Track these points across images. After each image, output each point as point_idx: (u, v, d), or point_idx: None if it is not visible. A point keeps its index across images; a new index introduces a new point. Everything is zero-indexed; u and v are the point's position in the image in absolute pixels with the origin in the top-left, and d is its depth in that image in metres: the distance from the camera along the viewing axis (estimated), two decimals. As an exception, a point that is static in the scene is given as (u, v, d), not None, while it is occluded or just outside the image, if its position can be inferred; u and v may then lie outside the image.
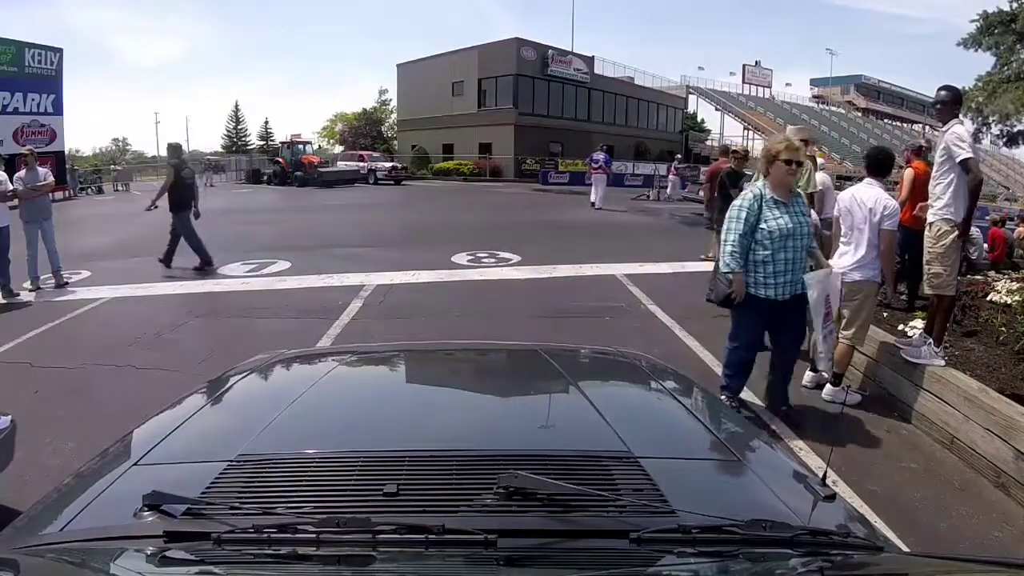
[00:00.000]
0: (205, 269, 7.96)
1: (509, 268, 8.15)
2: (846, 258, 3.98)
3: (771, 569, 0.85)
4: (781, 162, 3.44)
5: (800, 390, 4.19)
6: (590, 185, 17.33)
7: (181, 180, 8.05)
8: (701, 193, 19.17)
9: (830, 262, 4.11)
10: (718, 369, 4.50)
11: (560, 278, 7.60)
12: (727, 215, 3.55)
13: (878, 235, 3.86)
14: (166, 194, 8.07)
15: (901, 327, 4.53)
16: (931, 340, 3.80)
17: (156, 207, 8.31)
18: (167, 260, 8.11)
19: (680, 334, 5.37)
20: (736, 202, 3.57)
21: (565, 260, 8.49)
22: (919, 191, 5.09)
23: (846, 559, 0.88)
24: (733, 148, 8.39)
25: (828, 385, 4.07)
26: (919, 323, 4.36)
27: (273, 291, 6.92)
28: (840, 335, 4.00)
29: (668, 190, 20.65)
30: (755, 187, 3.58)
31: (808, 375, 4.25)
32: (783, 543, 0.86)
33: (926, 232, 3.89)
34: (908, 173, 5.82)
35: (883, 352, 4.09)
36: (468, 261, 8.54)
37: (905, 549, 1.87)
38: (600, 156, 16.75)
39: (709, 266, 8.45)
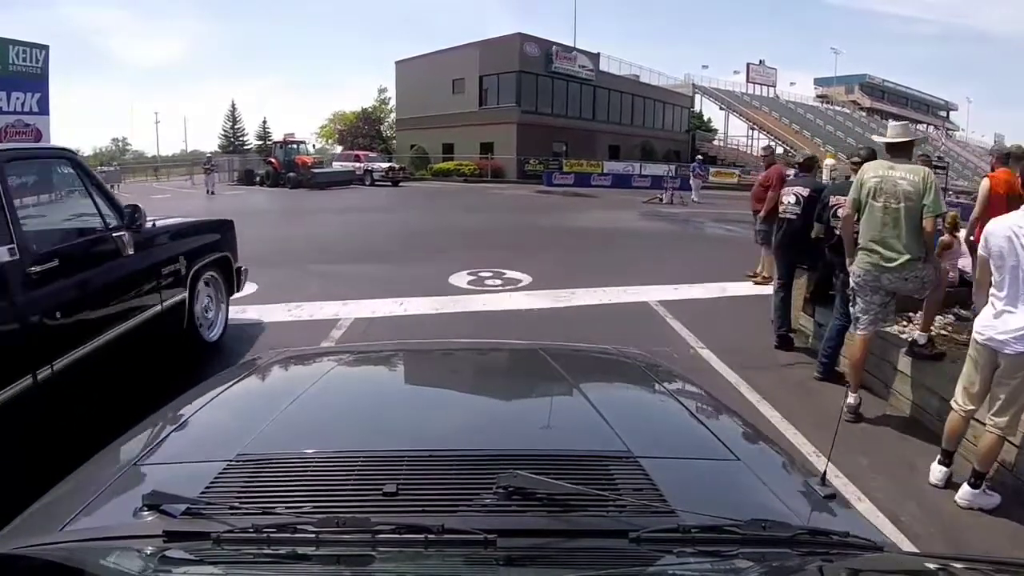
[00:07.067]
0: None
1: (519, 293, 6.79)
2: (1009, 320, 2.72)
3: (771, 569, 0.84)
4: None
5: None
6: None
7: None
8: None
9: (976, 322, 2.89)
10: (812, 454, 3.15)
11: (582, 307, 6.26)
12: None
13: None
14: None
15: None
16: None
17: None
18: None
19: (750, 396, 4.05)
20: None
21: (584, 281, 7.17)
22: (998, 205, 4.09)
23: (846, 559, 0.88)
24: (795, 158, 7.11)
25: (966, 486, 2.89)
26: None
27: (228, 325, 5.58)
28: (988, 421, 2.84)
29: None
30: None
31: (938, 470, 3.04)
32: (783, 543, 0.85)
33: None
34: (984, 184, 4.64)
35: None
36: (469, 283, 7.19)
37: (905, 549, 1.80)
38: (695, 164, 22.49)
39: (756, 289, 7.07)
